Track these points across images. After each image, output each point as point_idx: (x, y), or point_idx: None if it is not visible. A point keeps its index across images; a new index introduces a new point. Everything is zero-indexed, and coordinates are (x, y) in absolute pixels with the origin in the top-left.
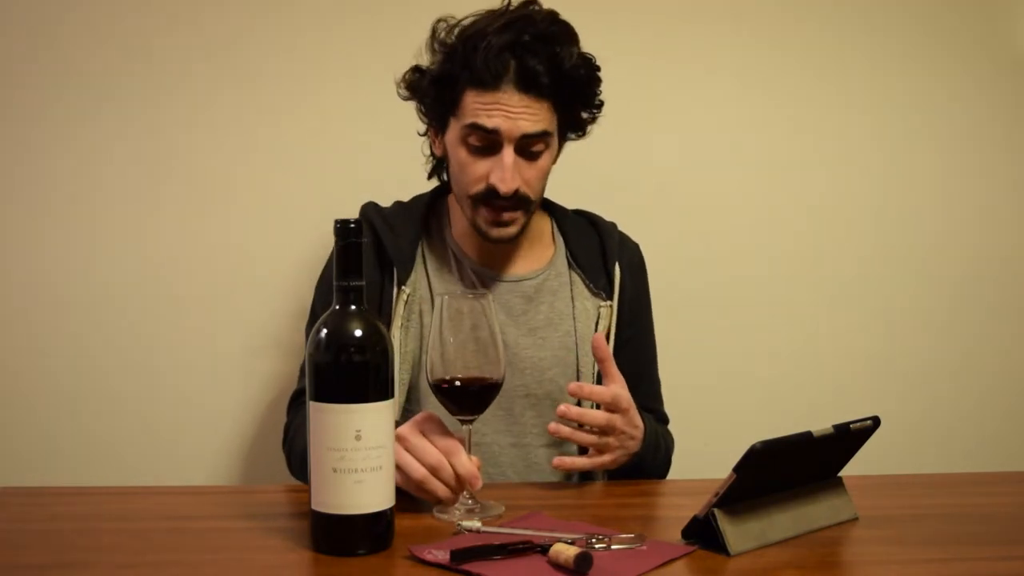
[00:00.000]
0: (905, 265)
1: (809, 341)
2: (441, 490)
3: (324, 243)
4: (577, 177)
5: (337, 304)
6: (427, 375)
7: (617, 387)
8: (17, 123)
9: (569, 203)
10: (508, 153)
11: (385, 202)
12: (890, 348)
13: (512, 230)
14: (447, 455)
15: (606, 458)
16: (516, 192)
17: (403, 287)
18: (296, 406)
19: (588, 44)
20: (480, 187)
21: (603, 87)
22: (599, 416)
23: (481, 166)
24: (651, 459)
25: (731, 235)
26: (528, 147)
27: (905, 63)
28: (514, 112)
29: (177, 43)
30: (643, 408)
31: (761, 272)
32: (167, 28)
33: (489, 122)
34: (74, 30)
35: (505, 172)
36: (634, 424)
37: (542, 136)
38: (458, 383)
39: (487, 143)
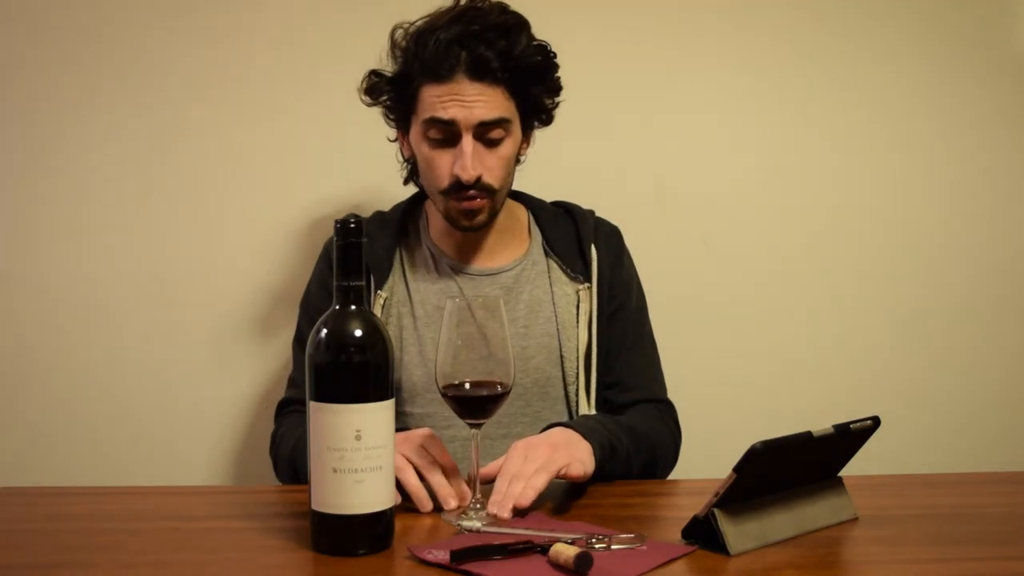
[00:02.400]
0: (905, 264)
1: (809, 341)
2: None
3: (319, 243)
4: (576, 176)
5: (337, 304)
6: (435, 380)
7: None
8: (6, 123)
9: (570, 200)
10: (467, 142)
11: (378, 203)
12: (890, 348)
13: (482, 218)
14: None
15: (551, 464)
16: (479, 180)
17: (379, 291)
18: (283, 414)
19: (586, 41)
20: (446, 181)
21: (604, 86)
22: (498, 469)
23: (444, 159)
24: (622, 447)
25: (732, 235)
26: (487, 134)
27: (907, 62)
28: (468, 101)
29: (166, 42)
30: (628, 385)
31: (761, 271)
32: (154, 27)
33: (445, 114)
34: (62, 29)
35: (465, 160)
36: (539, 448)
37: (500, 123)
38: (467, 388)
39: (447, 135)
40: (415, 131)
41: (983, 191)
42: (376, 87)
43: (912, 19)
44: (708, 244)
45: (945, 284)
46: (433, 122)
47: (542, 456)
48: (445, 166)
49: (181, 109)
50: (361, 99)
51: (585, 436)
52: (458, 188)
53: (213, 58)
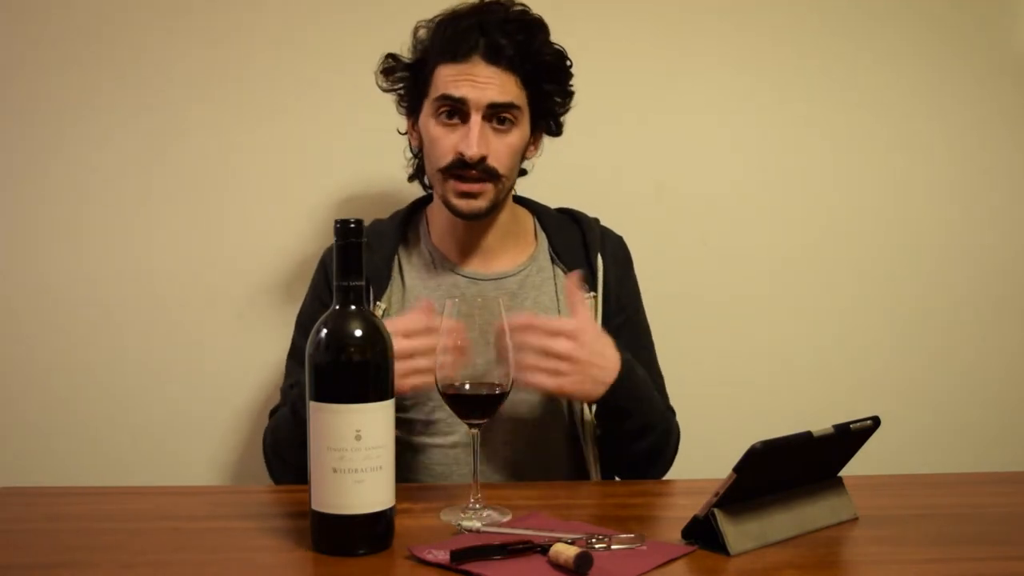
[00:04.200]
0: (905, 264)
1: (809, 341)
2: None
3: (320, 242)
4: (576, 176)
5: (337, 304)
6: (435, 380)
7: (582, 319)
8: (6, 123)
9: (567, 203)
10: (475, 121)
11: (379, 204)
12: (890, 348)
13: (480, 204)
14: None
15: (564, 382)
16: (483, 160)
17: (379, 303)
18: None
19: (586, 40)
20: (449, 158)
21: (603, 86)
22: (562, 345)
23: (451, 137)
24: (634, 399)
25: (731, 235)
26: (496, 116)
27: (908, 63)
28: (481, 82)
29: (167, 42)
30: None
31: (761, 271)
32: (155, 27)
33: (457, 91)
34: (62, 29)
35: (472, 137)
36: (600, 354)
37: (510, 108)
38: (467, 389)
39: (457, 113)
40: (426, 111)
41: (983, 191)
42: (392, 69)
43: (913, 19)
44: (708, 244)
45: (945, 284)
46: (444, 99)
47: (604, 359)
48: (450, 143)
49: (181, 109)
50: (377, 83)
51: (624, 375)
52: (460, 166)
53: (213, 58)
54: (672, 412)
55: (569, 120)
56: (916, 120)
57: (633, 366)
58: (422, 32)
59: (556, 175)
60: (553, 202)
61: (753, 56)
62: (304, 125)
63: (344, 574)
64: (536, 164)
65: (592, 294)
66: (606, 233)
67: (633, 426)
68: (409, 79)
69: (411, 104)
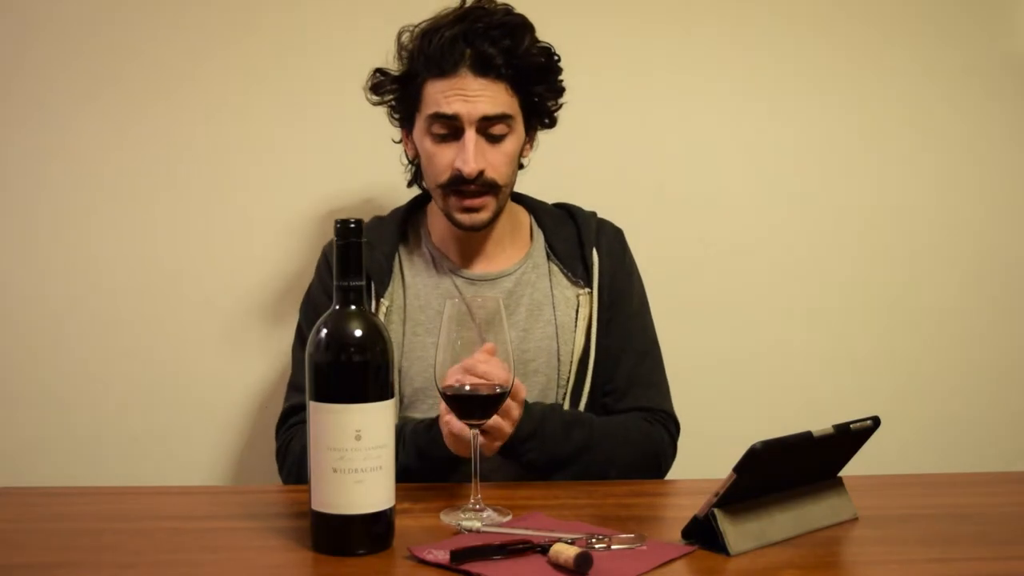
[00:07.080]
0: (905, 265)
1: (809, 341)
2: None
3: (318, 242)
4: (575, 177)
5: (337, 304)
6: (435, 381)
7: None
8: (9, 124)
9: (568, 201)
10: (470, 136)
11: (383, 203)
12: (890, 348)
13: (483, 216)
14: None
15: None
16: (481, 175)
17: (382, 299)
18: (285, 428)
19: (586, 41)
20: (447, 175)
21: (603, 85)
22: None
23: (446, 154)
24: (544, 438)
25: (731, 235)
26: (489, 129)
27: (906, 62)
28: (471, 95)
29: (170, 40)
30: (623, 392)
31: (761, 271)
32: (158, 25)
33: (448, 108)
34: (62, 28)
35: (467, 154)
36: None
37: (503, 118)
38: (467, 389)
39: (450, 130)
40: (419, 127)
41: (983, 192)
42: (381, 84)
43: (912, 20)
44: (706, 244)
45: (945, 284)
46: (436, 117)
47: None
48: (447, 160)
49: (177, 110)
50: (367, 97)
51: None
52: (459, 182)
53: (217, 57)
54: (664, 414)
55: (568, 119)
56: (916, 120)
57: (545, 412)
58: (405, 37)
59: (556, 175)
60: (552, 201)
61: (755, 55)
62: (307, 125)
63: (344, 574)
64: (536, 164)
65: (587, 290)
66: (602, 226)
67: (539, 459)
68: (399, 93)
69: (403, 116)
